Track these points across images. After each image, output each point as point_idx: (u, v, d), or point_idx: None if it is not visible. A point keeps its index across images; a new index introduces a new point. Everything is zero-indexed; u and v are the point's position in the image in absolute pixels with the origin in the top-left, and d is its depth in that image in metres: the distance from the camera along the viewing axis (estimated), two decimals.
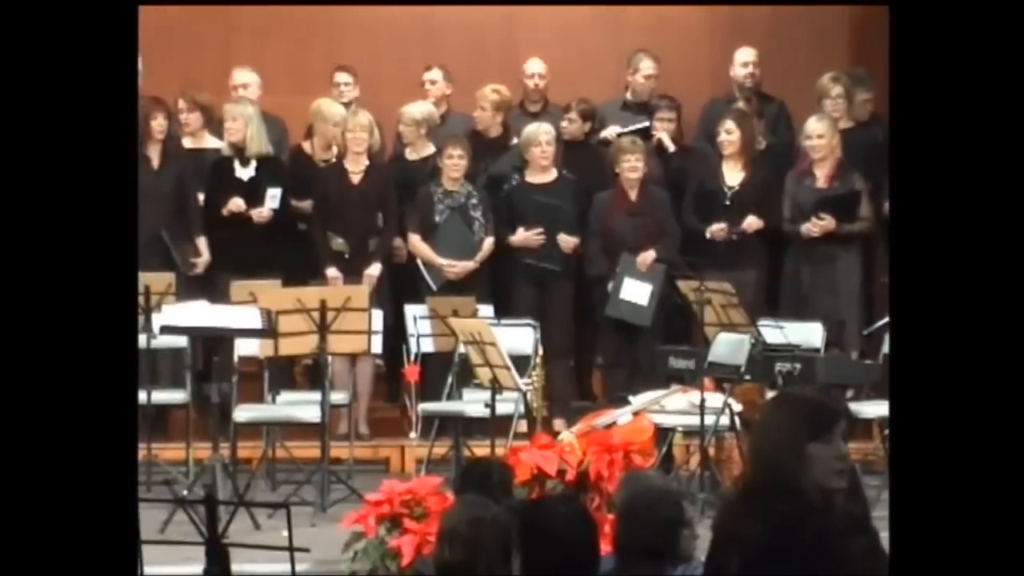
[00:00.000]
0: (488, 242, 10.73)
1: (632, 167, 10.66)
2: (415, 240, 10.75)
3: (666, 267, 10.49)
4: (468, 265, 10.67)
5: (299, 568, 4.84)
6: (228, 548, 4.61)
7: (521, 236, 10.75)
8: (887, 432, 8.80)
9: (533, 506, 5.15)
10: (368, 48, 12.39)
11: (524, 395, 9.01)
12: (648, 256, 10.58)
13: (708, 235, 10.62)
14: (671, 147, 11.21)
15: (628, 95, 11.67)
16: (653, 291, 10.50)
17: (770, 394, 9.14)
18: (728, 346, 9.02)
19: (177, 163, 10.69)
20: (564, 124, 11.22)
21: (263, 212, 10.59)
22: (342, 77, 11.42)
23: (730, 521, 4.20)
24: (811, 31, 12.51)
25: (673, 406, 9.06)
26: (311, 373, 10.46)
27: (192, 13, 12.36)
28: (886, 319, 8.96)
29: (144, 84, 10.49)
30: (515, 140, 11.18)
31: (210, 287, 10.26)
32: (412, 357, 10.01)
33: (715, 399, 8.92)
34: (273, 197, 10.60)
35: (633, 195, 10.73)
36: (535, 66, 11.67)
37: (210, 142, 11.07)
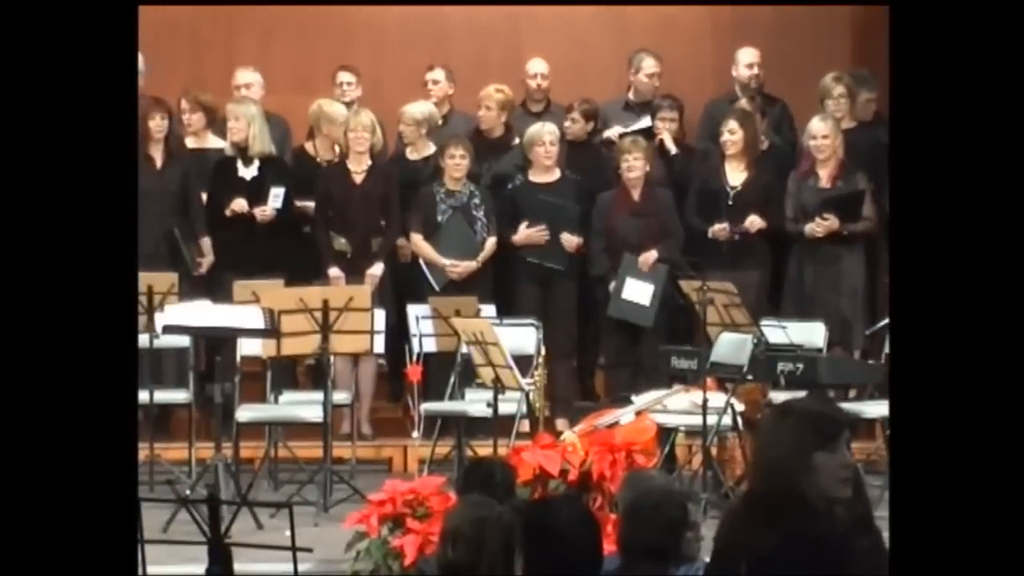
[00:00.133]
0: (490, 242, 10.72)
1: (634, 167, 10.65)
2: (417, 240, 10.74)
3: (668, 267, 10.49)
4: (471, 265, 10.66)
5: (302, 568, 4.85)
6: (231, 548, 4.62)
7: (524, 233, 10.75)
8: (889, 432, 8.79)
9: (536, 506, 5.16)
10: (371, 48, 12.41)
11: (527, 395, 9.00)
12: (650, 256, 10.57)
13: (711, 235, 10.60)
14: (673, 148, 11.19)
15: (630, 95, 11.66)
16: (655, 291, 10.50)
17: (773, 394, 9.15)
18: (730, 346, 9.01)
19: (180, 163, 10.70)
20: (567, 124, 11.20)
21: (266, 212, 10.59)
22: (344, 77, 11.42)
23: (736, 530, 4.21)
24: (814, 31, 12.50)
25: (675, 406, 9.05)
26: (314, 373, 10.45)
27: (195, 13, 12.39)
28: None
29: (147, 84, 10.55)
30: (517, 140, 11.18)
31: (213, 287, 10.27)
32: (415, 357, 9.99)
33: (717, 399, 8.91)
34: (276, 197, 10.61)
35: (636, 195, 10.72)
36: (537, 66, 11.65)
37: (213, 142, 11.07)
